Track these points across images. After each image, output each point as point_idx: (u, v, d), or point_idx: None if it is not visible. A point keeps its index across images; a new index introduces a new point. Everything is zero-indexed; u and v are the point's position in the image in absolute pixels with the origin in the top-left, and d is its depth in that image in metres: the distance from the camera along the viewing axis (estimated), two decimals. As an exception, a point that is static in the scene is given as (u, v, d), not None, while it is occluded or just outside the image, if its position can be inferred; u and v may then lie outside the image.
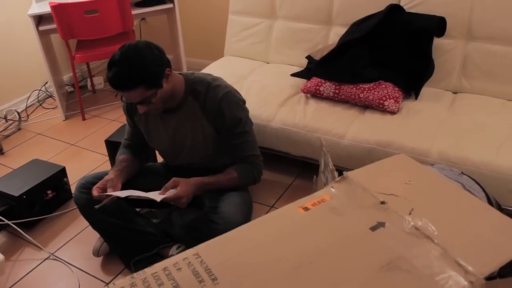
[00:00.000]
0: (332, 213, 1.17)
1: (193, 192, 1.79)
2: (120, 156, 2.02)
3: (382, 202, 1.18)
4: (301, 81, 2.60)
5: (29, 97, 3.67)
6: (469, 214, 1.15)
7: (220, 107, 1.84)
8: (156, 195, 1.72)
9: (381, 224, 1.11)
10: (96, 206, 1.75)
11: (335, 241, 1.08)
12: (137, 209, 2.10)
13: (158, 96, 1.74)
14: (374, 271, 1.00)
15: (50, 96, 3.77)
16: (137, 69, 1.64)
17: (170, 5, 3.48)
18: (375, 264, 1.01)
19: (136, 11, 3.37)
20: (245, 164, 1.94)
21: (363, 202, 1.20)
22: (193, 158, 1.98)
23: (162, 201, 1.72)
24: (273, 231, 1.13)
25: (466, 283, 0.96)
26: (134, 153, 2.05)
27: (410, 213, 1.14)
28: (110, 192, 1.75)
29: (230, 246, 1.09)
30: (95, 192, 1.77)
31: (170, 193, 1.74)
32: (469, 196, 1.25)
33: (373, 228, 1.11)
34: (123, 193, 1.73)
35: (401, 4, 2.50)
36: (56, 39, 3.68)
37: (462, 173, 1.74)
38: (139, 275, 1.02)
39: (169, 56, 3.85)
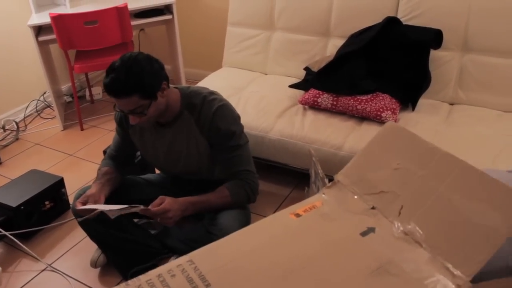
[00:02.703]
0: (323, 219, 1.19)
1: (180, 209, 1.75)
2: (104, 168, 1.99)
3: (372, 208, 1.20)
4: (299, 93, 2.62)
5: (27, 107, 3.68)
6: (457, 195, 1.13)
7: (214, 119, 1.84)
8: (139, 208, 1.68)
9: (371, 230, 1.13)
10: (79, 219, 1.75)
11: (326, 247, 1.10)
12: (135, 220, 2.10)
13: (152, 108, 1.74)
14: (364, 276, 1.02)
15: (49, 106, 3.78)
16: (134, 77, 1.65)
17: (169, 16, 3.50)
18: (365, 269, 1.03)
19: (135, 22, 3.38)
20: (238, 181, 1.88)
21: (354, 208, 1.21)
22: (189, 172, 1.98)
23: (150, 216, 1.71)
24: (266, 237, 1.15)
25: (453, 286, 0.98)
26: (118, 166, 2.03)
27: (399, 213, 1.15)
28: (91, 206, 1.71)
29: (224, 252, 1.11)
30: (78, 205, 1.76)
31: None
32: (457, 166, 1.21)
33: (363, 234, 1.12)
34: (105, 207, 1.69)
35: (398, 17, 2.52)
36: (55, 49, 3.70)
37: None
38: (134, 282, 1.03)
39: (168, 67, 3.87)
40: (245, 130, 2.00)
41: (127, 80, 1.64)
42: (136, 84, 1.65)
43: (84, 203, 1.77)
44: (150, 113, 1.75)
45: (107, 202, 1.83)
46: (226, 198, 1.86)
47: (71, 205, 1.94)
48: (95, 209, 1.69)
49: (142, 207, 1.67)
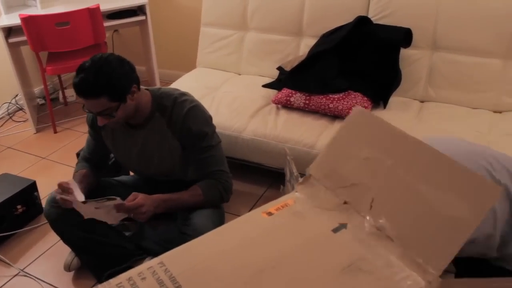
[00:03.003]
0: (295, 217, 1.19)
1: (153, 205, 1.76)
2: (81, 170, 1.99)
3: (345, 202, 1.21)
4: (272, 92, 2.63)
5: (-1, 110, 3.62)
6: (425, 185, 1.12)
7: (185, 120, 1.84)
8: (115, 202, 1.69)
9: (343, 226, 1.14)
10: (54, 197, 1.74)
11: (298, 245, 1.11)
12: (109, 222, 2.09)
13: (120, 111, 1.73)
14: (336, 273, 1.03)
15: (21, 109, 3.73)
16: (104, 78, 1.64)
17: (142, 17, 3.48)
18: (337, 266, 1.04)
19: (108, 23, 3.36)
20: (211, 180, 1.89)
21: (326, 204, 1.22)
22: (162, 173, 1.98)
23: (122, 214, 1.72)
24: (237, 237, 1.15)
25: (424, 282, 1.00)
26: (94, 168, 2.03)
27: (371, 207, 1.16)
28: (69, 198, 1.72)
29: (195, 253, 1.11)
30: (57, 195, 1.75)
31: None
32: (424, 153, 1.22)
33: (335, 230, 1.13)
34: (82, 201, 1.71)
35: (369, 16, 2.55)
36: (26, 51, 3.64)
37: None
38: (104, 286, 1.02)
39: (142, 68, 3.84)
40: (219, 130, 2.01)
41: (97, 81, 1.63)
42: (105, 86, 1.65)
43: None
44: (118, 116, 1.74)
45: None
46: (199, 197, 1.86)
47: (43, 209, 1.92)
48: (76, 201, 1.69)
49: (118, 199, 1.67)
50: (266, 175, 2.62)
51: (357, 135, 1.33)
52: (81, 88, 1.65)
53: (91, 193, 1.92)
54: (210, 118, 1.94)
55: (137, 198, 1.74)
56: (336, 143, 1.37)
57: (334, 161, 1.32)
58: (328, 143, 1.36)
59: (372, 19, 2.54)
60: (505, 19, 2.29)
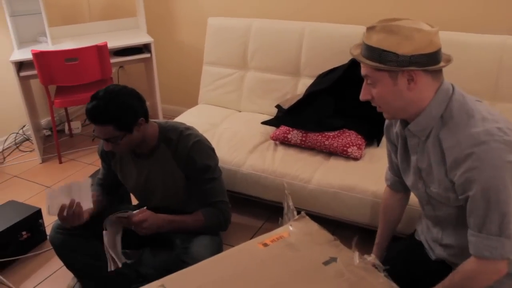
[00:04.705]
0: (289, 249, 1.28)
1: (157, 223, 1.85)
2: (94, 192, 2.05)
3: (335, 239, 1.30)
4: (270, 129, 2.74)
5: (6, 139, 3.73)
6: None
7: (190, 154, 1.95)
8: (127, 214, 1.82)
9: (333, 259, 1.23)
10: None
11: (290, 275, 1.19)
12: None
13: (126, 140, 1.85)
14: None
15: (28, 139, 3.84)
16: (112, 109, 1.77)
17: (147, 55, 3.64)
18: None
19: (114, 60, 3.51)
20: (213, 209, 2.00)
21: (318, 239, 1.32)
22: (166, 202, 2.07)
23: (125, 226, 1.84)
24: (234, 265, 1.24)
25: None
26: (106, 192, 2.15)
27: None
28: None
29: (194, 278, 1.19)
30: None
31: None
32: None
33: (326, 263, 1.22)
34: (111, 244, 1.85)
35: (363, 59, 2.69)
36: (35, 84, 3.78)
37: None
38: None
39: (146, 103, 3.94)
40: (219, 164, 2.11)
41: (106, 110, 1.76)
42: (113, 116, 1.77)
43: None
44: (123, 144, 1.86)
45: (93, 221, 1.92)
46: (200, 222, 1.96)
47: (49, 235, 2.00)
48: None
49: (130, 212, 1.82)
50: (264, 208, 2.70)
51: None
52: (91, 114, 1.78)
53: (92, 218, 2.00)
54: (213, 151, 2.06)
55: (144, 213, 1.84)
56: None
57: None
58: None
59: (366, 62, 2.68)
60: (491, 67, 2.44)
